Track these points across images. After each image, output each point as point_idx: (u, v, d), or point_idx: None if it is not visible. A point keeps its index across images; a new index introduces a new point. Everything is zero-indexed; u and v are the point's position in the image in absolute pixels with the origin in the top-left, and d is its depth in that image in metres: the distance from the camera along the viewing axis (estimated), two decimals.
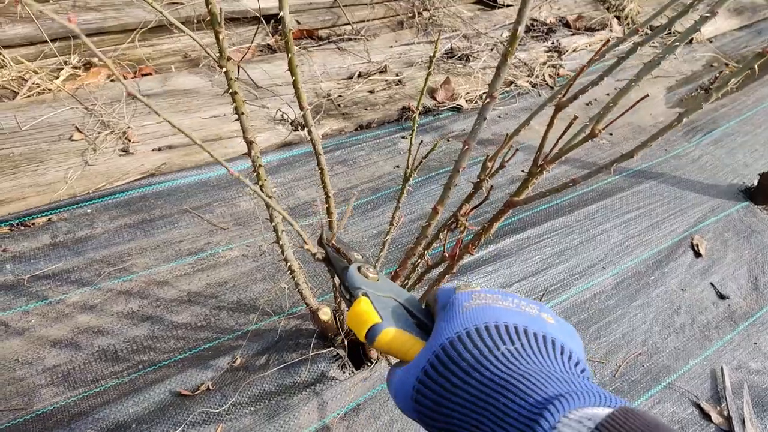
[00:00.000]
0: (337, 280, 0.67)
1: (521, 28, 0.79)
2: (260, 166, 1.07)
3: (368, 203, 1.66)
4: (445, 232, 0.94)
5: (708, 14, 0.79)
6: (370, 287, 0.60)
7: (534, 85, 2.31)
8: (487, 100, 0.90)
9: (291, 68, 0.94)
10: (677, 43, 0.82)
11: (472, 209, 0.98)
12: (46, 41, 1.82)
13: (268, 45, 2.18)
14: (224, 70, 0.95)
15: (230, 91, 0.98)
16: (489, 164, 0.97)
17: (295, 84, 0.96)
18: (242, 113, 1.01)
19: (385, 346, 0.54)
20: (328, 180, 1.11)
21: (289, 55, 0.93)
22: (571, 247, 1.51)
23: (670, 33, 2.79)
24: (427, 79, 1.04)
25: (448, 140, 1.97)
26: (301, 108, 1.01)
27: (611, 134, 2.20)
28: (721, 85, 0.72)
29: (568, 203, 1.69)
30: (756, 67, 0.68)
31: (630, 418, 0.33)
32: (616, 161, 0.76)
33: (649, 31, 2.78)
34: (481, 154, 1.95)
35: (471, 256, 1.23)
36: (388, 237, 1.19)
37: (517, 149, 0.91)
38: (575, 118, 0.82)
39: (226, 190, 1.61)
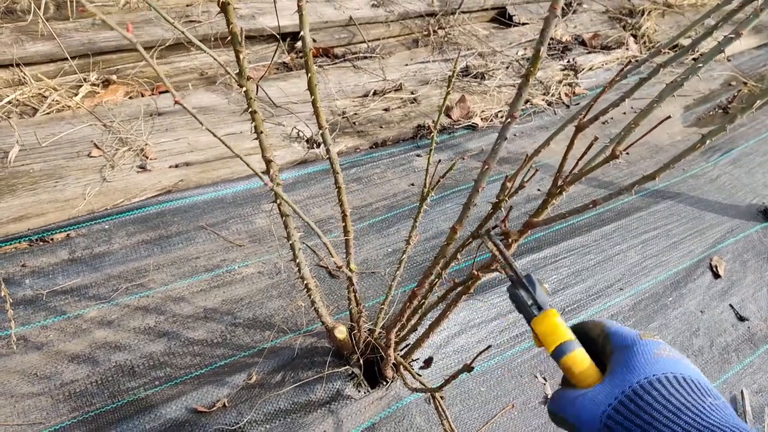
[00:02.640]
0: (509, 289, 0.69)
1: (544, 48, 0.79)
2: (279, 184, 1.08)
3: (383, 221, 1.67)
4: (476, 248, 0.93)
5: (732, 35, 0.79)
6: (546, 300, 0.64)
7: (550, 104, 2.31)
8: (508, 120, 0.91)
9: (311, 87, 0.95)
10: (701, 65, 0.82)
11: (492, 228, 0.97)
12: (65, 58, 1.86)
13: (284, 63, 2.21)
14: (244, 89, 0.96)
15: (250, 110, 0.99)
16: (508, 184, 0.97)
17: (314, 103, 0.97)
18: (261, 132, 1.02)
19: (570, 366, 0.56)
20: (345, 198, 1.11)
21: (309, 74, 0.94)
22: (587, 267, 1.50)
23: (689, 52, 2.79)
24: (445, 98, 1.05)
25: (463, 159, 1.97)
26: (320, 126, 1.01)
27: (628, 153, 2.19)
28: (746, 107, 0.71)
29: (585, 223, 1.68)
30: None
31: None
32: (637, 182, 0.75)
33: (669, 52, 2.78)
34: (497, 172, 1.95)
35: (497, 272, 1.23)
36: (404, 255, 1.19)
37: (537, 170, 0.91)
38: (596, 139, 0.82)
39: (242, 207, 1.62)
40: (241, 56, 0.93)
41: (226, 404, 1.12)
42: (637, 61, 2.78)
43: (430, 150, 1.09)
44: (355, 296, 1.07)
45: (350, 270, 0.97)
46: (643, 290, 1.47)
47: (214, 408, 1.12)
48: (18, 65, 1.80)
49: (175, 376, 1.18)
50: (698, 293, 1.50)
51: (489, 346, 0.78)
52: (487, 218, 1.01)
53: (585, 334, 0.59)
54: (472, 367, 0.83)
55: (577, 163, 0.80)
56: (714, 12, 0.94)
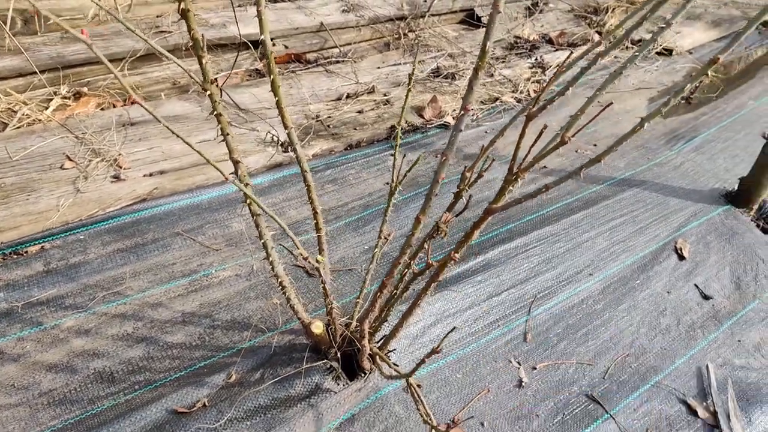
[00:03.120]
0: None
1: (490, 44, 0.83)
2: (247, 185, 1.10)
3: (359, 220, 1.69)
4: (429, 240, 0.96)
5: (664, 26, 0.84)
6: None
7: (519, 101, 2.36)
8: (462, 113, 0.94)
9: (274, 89, 0.98)
10: (637, 54, 0.87)
11: (453, 216, 1.01)
12: (35, 72, 1.86)
13: (257, 69, 2.23)
14: (209, 93, 0.99)
15: (215, 112, 1.01)
16: (467, 174, 1.01)
17: (278, 104, 1.00)
18: (227, 134, 1.04)
19: None
20: (315, 196, 1.14)
21: (272, 76, 0.97)
22: (558, 254, 1.54)
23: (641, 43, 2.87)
24: (407, 96, 1.08)
25: (437, 156, 2.01)
26: (286, 127, 1.04)
27: (595, 145, 2.24)
28: (679, 92, 0.75)
29: (554, 213, 1.72)
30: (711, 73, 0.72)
31: None
32: (584, 166, 0.79)
33: (629, 45, 2.86)
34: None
35: (454, 262, 1.26)
36: (377, 250, 1.21)
37: (493, 160, 0.95)
38: (545, 127, 0.85)
39: (218, 212, 1.63)
40: (203, 61, 0.96)
41: (207, 404, 1.13)
42: (583, 52, 2.85)
43: (395, 146, 1.12)
44: (324, 288, 1.09)
45: (317, 261, 1.00)
46: (612, 274, 1.52)
47: (195, 408, 1.13)
48: None
49: (154, 380, 1.19)
50: (664, 275, 1.55)
51: (454, 328, 0.81)
52: (450, 207, 1.04)
53: None
54: (440, 350, 0.85)
55: (529, 151, 0.83)
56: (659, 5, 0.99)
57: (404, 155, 1.99)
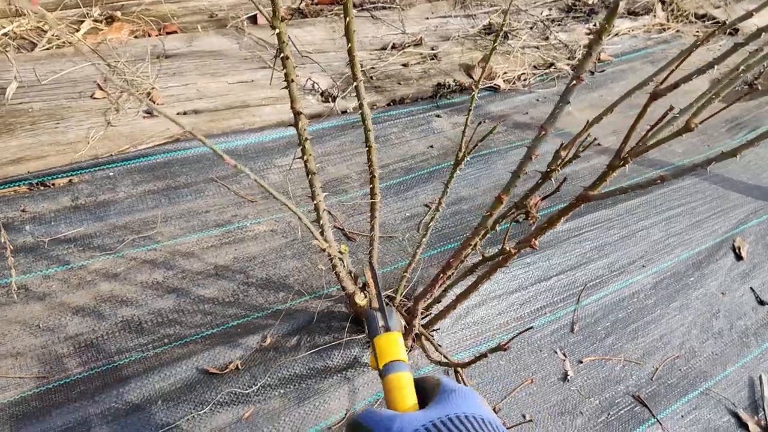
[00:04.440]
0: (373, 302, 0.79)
1: (622, 3, 0.71)
2: (306, 139, 1.01)
3: (401, 184, 1.60)
4: (510, 224, 0.87)
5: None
6: (397, 326, 0.71)
7: (574, 69, 2.22)
8: (573, 82, 0.83)
9: (348, 34, 0.87)
10: (715, 32, 0.76)
11: (542, 199, 0.92)
12: None
13: (299, 9, 2.09)
14: (277, 31, 0.88)
15: (282, 55, 0.90)
16: (562, 153, 0.91)
17: (350, 52, 0.89)
18: (292, 80, 0.94)
19: (394, 385, 0.61)
20: (375, 159, 1.04)
21: (347, 18, 0.85)
22: (611, 242, 1.45)
23: (705, 18, 2.69)
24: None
25: (483, 121, 1.90)
26: (355, 78, 0.94)
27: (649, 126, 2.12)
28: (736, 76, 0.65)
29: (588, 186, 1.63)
30: None
31: None
32: (714, 160, 0.69)
33: (696, 20, 2.67)
34: (518, 138, 1.87)
35: (534, 250, 1.18)
36: (431, 223, 1.12)
37: (595, 138, 0.85)
38: (671, 108, 0.75)
39: (254, 161, 1.54)
40: (279, 20, 0.84)
41: (239, 366, 1.08)
42: (663, 28, 2.68)
43: (470, 110, 1.01)
44: (371, 265, 1.01)
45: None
46: (666, 268, 1.43)
47: (227, 370, 1.07)
48: None
49: (184, 335, 1.13)
50: (720, 274, 1.47)
51: (530, 328, 0.73)
52: (534, 189, 0.95)
53: (421, 385, 0.62)
54: (507, 348, 0.78)
55: (646, 134, 0.73)
56: None
57: (457, 120, 1.87)
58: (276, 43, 0.79)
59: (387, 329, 0.70)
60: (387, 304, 0.75)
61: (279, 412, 1.04)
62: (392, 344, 0.65)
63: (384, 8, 2.19)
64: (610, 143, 1.92)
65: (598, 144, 1.99)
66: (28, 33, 1.64)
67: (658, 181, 0.71)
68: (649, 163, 1.84)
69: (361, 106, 0.96)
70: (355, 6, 2.17)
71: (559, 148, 0.87)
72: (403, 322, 0.77)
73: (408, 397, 0.60)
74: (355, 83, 0.92)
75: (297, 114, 0.96)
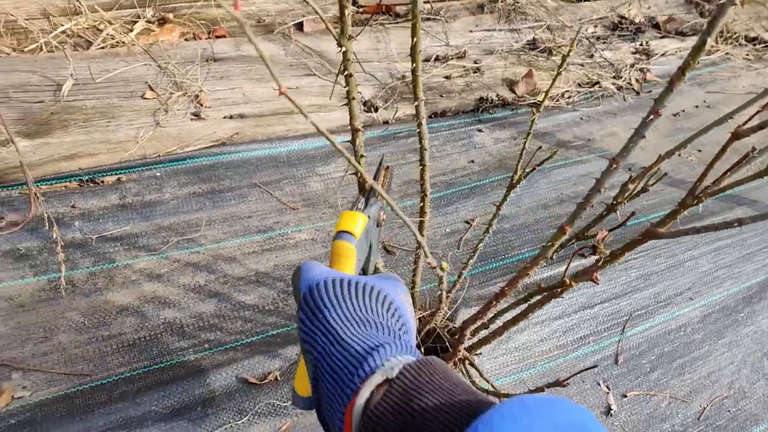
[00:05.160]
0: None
1: (710, 41, 0.69)
2: (362, 156, 1.00)
3: (441, 198, 1.58)
4: (572, 256, 0.85)
5: None
6: (371, 215, 0.77)
7: (619, 88, 2.18)
8: (650, 116, 0.81)
9: (413, 55, 0.86)
10: None
11: (609, 231, 0.90)
12: None
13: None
14: (343, 49, 0.88)
15: (345, 72, 0.90)
16: (630, 186, 0.89)
17: (414, 72, 0.88)
18: (353, 98, 0.93)
19: (335, 251, 0.69)
20: (428, 178, 1.03)
21: (414, 39, 0.85)
22: (657, 271, 1.41)
23: (756, 41, 2.62)
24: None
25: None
26: (416, 98, 0.93)
27: (699, 151, 2.07)
28: None
29: (657, 222, 1.59)
30: None
31: (426, 364, 0.46)
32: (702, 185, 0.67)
33: (746, 43, 2.61)
34: (562, 156, 1.84)
35: (595, 284, 1.15)
36: (480, 244, 1.11)
37: (665, 173, 0.83)
38: (753, 150, 0.73)
39: (297, 167, 1.54)
40: (346, 12, 0.84)
41: (278, 378, 1.07)
42: (711, 49, 2.61)
43: (528, 133, 0.99)
44: (440, 294, 1.00)
45: (442, 269, 0.90)
46: (714, 302, 1.39)
47: (266, 381, 1.07)
48: None
49: (225, 341, 1.14)
50: None
51: (594, 366, 0.71)
52: (598, 220, 0.93)
53: None
54: (566, 384, 0.76)
55: (724, 174, 0.71)
56: None
57: (498, 135, 1.85)
58: (321, 50, 0.78)
59: (360, 211, 0.76)
60: (377, 198, 0.81)
61: (316, 428, 1.03)
62: (352, 219, 0.71)
63: (428, 19, 2.18)
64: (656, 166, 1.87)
65: (644, 167, 1.96)
66: (85, 31, 1.67)
67: (735, 224, 0.69)
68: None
69: (419, 125, 0.95)
70: (399, 16, 2.17)
71: (627, 181, 0.85)
72: (383, 216, 0.84)
73: (345, 265, 0.68)
74: (416, 102, 0.91)
75: (355, 131, 0.96)
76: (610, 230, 0.81)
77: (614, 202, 0.83)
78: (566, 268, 0.80)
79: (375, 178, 0.89)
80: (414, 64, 0.85)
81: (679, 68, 0.70)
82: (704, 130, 0.89)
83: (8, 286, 1.14)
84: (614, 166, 0.83)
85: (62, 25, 1.65)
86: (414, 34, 0.81)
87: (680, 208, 0.75)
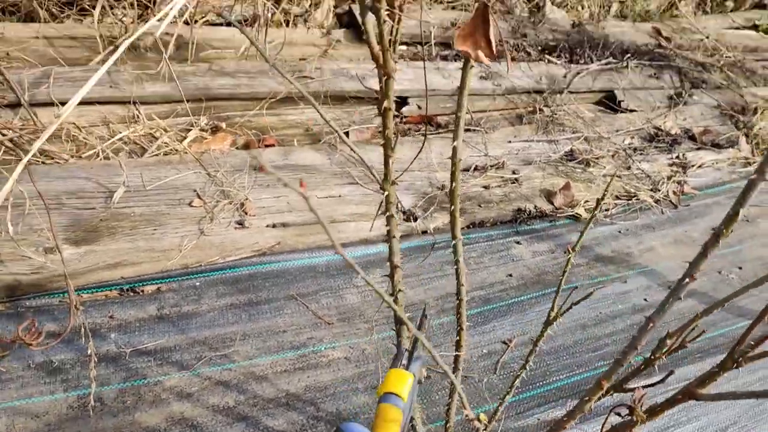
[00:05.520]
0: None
1: (742, 211, 0.69)
2: (400, 291, 1.00)
3: (479, 315, 1.55)
4: (610, 412, 0.81)
5: None
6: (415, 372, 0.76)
7: (657, 201, 2.16)
8: (686, 281, 0.79)
9: (453, 179, 0.87)
10: None
11: (646, 387, 0.86)
12: (179, 101, 1.87)
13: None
14: (386, 193, 0.89)
15: (387, 213, 0.91)
16: (668, 341, 0.85)
17: (452, 194, 0.89)
18: (395, 237, 0.94)
19: (381, 414, 0.66)
20: (464, 312, 1.01)
21: (454, 170, 0.86)
22: (700, 402, 1.33)
23: None
24: None
25: (566, 253, 1.85)
26: (453, 231, 0.93)
27: (740, 268, 2.01)
28: None
29: (696, 347, 1.52)
30: None
31: None
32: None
33: None
34: (600, 272, 1.81)
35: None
36: (516, 381, 1.06)
37: (704, 330, 0.79)
38: None
39: (334, 278, 1.54)
40: (390, 161, 0.86)
41: None
42: (747, 161, 2.60)
43: (570, 254, 0.97)
44: None
45: (479, 420, 0.87)
46: None
47: None
48: (134, 103, 1.82)
49: None
50: None
51: None
52: (635, 373, 0.89)
53: None
54: None
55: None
56: None
57: (536, 248, 1.84)
58: (367, 160, 0.80)
59: (405, 368, 0.74)
60: (419, 354, 0.79)
61: None
62: (400, 380, 0.69)
63: (468, 130, 2.24)
64: (696, 284, 1.82)
65: (693, 279, 1.89)
66: (140, 138, 1.76)
67: None
68: (739, 312, 1.73)
69: (455, 250, 0.95)
70: (440, 126, 2.23)
71: (665, 336, 0.81)
72: (424, 373, 0.83)
73: (391, 430, 0.64)
74: (455, 237, 0.91)
75: (394, 267, 0.96)
76: (646, 386, 0.77)
77: (651, 357, 0.80)
78: (602, 428, 0.75)
79: (419, 328, 0.87)
80: (453, 183, 0.85)
81: (714, 233, 0.69)
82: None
83: (38, 402, 1.13)
84: (651, 324, 0.80)
85: (120, 132, 1.74)
86: (453, 161, 0.82)
87: (719, 371, 0.72)
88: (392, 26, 0.65)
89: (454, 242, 0.86)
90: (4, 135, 1.65)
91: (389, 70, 0.70)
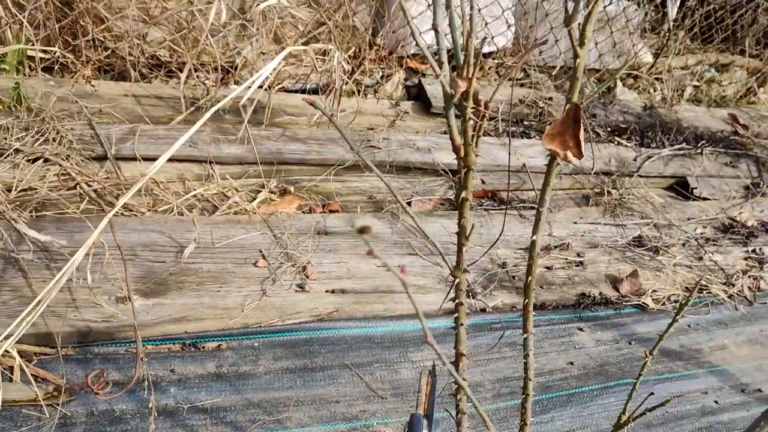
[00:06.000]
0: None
1: None
2: (464, 380, 0.97)
3: (537, 403, 1.49)
4: None
5: None
6: None
7: (730, 296, 2.05)
8: None
9: (529, 272, 0.86)
10: None
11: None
12: (253, 163, 1.96)
13: (450, 200, 2.18)
14: (457, 281, 0.89)
15: (456, 301, 0.91)
16: None
17: (527, 287, 0.87)
18: (462, 324, 0.93)
19: None
20: (529, 406, 0.97)
21: (533, 237, 0.85)
22: None
23: None
24: None
25: (630, 343, 1.77)
26: (526, 309, 0.91)
27: None
28: None
29: None
30: None
31: None
32: None
33: None
34: (667, 368, 1.71)
35: None
36: None
37: None
38: None
39: (389, 350, 1.52)
40: (464, 248, 0.86)
41: None
42: None
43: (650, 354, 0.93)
44: None
45: None
46: None
47: None
48: (210, 162, 1.92)
49: None
50: None
51: None
52: None
53: None
54: None
55: None
56: None
57: (600, 336, 1.77)
58: (425, 231, 0.80)
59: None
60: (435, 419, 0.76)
61: None
62: None
63: (532, 208, 2.22)
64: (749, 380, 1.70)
65: (760, 390, 1.77)
66: (213, 197, 1.85)
67: None
68: None
69: (525, 345, 0.92)
70: (503, 202, 2.23)
71: None
72: None
73: None
74: (525, 324, 0.89)
75: (459, 355, 0.94)
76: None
77: None
78: None
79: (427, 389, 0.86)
80: (531, 262, 0.84)
81: None
82: None
83: None
84: None
85: (195, 190, 1.83)
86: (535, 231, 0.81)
87: None
88: (476, 123, 0.67)
89: (525, 336, 0.84)
90: (89, 186, 1.77)
91: (470, 163, 0.71)
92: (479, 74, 2.57)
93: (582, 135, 0.63)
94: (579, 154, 0.63)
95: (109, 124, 1.96)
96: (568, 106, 0.64)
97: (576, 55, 0.62)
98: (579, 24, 0.60)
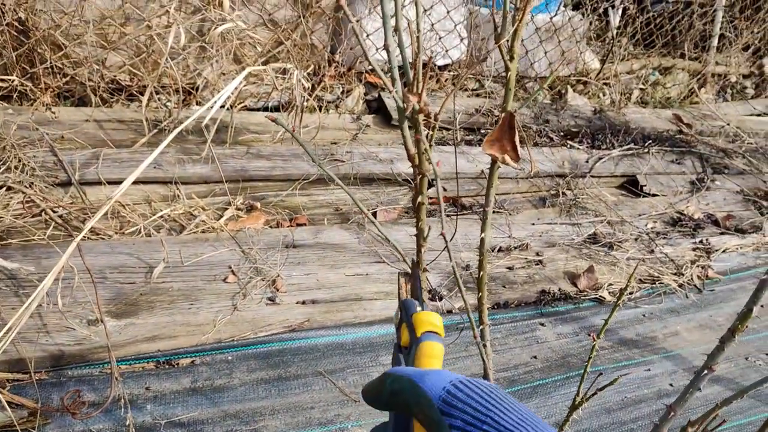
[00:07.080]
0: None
1: (756, 309, 0.73)
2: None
3: None
4: None
5: None
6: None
7: (681, 285, 2.17)
8: (704, 372, 0.83)
9: (481, 267, 0.92)
10: None
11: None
12: (218, 181, 1.99)
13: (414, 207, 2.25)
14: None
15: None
16: (689, 429, 0.87)
17: (480, 281, 0.93)
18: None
19: (427, 352, 0.62)
20: None
21: (482, 235, 0.91)
22: None
23: None
24: None
25: (589, 335, 1.86)
26: (480, 302, 0.98)
27: (767, 354, 1.98)
28: None
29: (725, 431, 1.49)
30: None
31: None
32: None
33: None
34: (625, 356, 1.81)
35: None
36: None
37: (725, 420, 0.81)
38: None
39: (361, 356, 1.57)
40: (423, 249, 0.93)
41: None
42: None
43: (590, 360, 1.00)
44: None
45: None
46: None
47: None
48: (175, 183, 1.95)
49: None
50: None
51: None
52: None
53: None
54: None
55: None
56: None
57: (560, 330, 1.85)
58: (391, 239, 0.86)
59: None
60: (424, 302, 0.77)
61: None
62: (434, 318, 0.66)
63: (492, 212, 2.31)
64: (722, 370, 1.81)
65: (711, 370, 1.87)
66: (180, 217, 1.88)
67: None
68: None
69: (483, 338, 0.99)
70: (464, 207, 2.31)
71: (686, 425, 0.83)
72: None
73: (436, 366, 0.62)
74: (478, 294, 0.95)
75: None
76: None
77: None
78: None
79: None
80: (481, 272, 0.90)
81: (730, 330, 0.72)
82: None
83: None
84: (672, 414, 0.83)
85: (161, 211, 1.86)
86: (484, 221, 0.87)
87: None
88: (428, 133, 0.74)
89: (481, 327, 0.91)
90: (54, 212, 1.78)
91: (424, 170, 0.78)
92: (436, 86, 2.67)
93: (518, 140, 0.71)
94: (516, 158, 0.70)
95: (71, 149, 1.97)
96: (503, 114, 0.71)
97: (507, 69, 0.70)
98: (507, 41, 0.68)
